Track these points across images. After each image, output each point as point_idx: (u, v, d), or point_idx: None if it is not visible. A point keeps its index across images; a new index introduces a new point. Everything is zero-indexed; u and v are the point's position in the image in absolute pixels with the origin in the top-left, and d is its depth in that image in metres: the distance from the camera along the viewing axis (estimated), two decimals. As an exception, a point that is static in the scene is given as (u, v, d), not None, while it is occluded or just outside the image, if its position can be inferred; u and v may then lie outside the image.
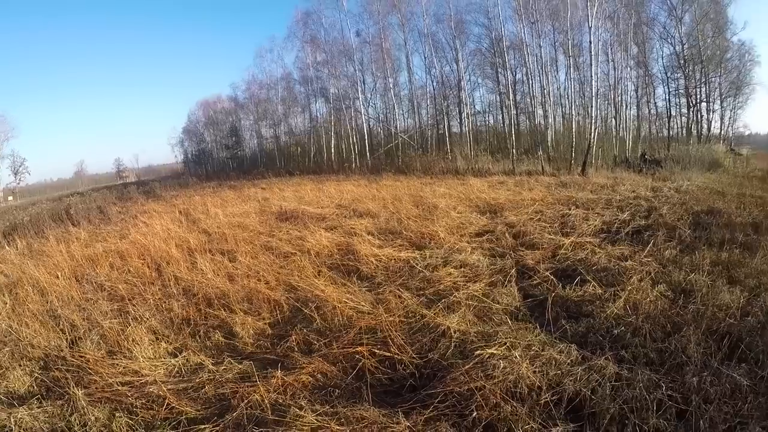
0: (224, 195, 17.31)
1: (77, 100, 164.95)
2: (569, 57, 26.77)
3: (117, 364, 4.99)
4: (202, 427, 3.70)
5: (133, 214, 15.81)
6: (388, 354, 4.33)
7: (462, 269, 6.71)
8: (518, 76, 31.11)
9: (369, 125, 33.28)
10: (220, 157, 55.56)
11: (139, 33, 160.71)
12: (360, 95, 32.55)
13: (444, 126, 31.40)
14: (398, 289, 5.80)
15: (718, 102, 30.90)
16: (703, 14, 28.93)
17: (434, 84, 33.21)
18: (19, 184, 71.69)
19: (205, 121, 58.94)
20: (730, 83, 31.02)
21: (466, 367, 3.98)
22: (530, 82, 27.54)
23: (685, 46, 29.72)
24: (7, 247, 12.93)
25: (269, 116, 44.24)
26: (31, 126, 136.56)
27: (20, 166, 71.26)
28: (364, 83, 33.22)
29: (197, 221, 11.96)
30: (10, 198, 67.43)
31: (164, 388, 4.33)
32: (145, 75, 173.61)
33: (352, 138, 31.70)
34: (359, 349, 4.38)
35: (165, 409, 4.10)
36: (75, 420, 4.24)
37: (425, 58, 32.45)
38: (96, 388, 4.61)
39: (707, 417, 3.34)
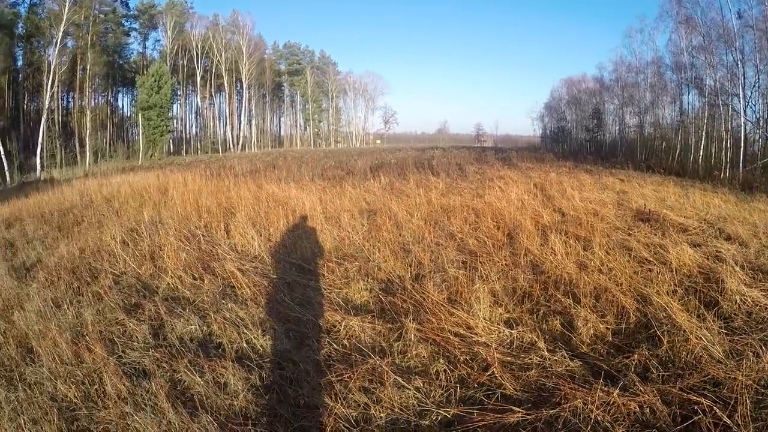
0: (580, 177, 16.84)
1: (444, 65, 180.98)
2: None
3: (454, 313, 5.19)
4: (516, 409, 3.61)
5: (489, 177, 16.46)
6: (728, 421, 3.62)
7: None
8: None
9: (746, 129, 27.38)
10: (578, 138, 54.61)
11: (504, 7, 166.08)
12: (740, 91, 27.12)
13: (838, 146, 25.12)
14: (760, 345, 4.95)
15: None
16: None
17: (831, 88, 26.09)
18: (387, 131, 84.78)
19: (568, 99, 58.42)
20: None
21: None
22: None
23: None
24: (371, 180, 14.74)
25: (635, 103, 40.72)
26: (402, 85, 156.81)
27: (390, 117, 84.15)
28: (744, 77, 27.27)
29: (551, 198, 11.93)
30: (378, 141, 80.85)
31: (493, 354, 4.36)
32: (509, 47, 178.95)
33: (726, 142, 27.38)
34: (700, 399, 3.78)
35: (486, 374, 4.13)
36: (397, 347, 4.59)
37: (821, 50, 25.90)
38: (429, 327, 4.90)
39: None
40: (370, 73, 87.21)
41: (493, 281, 6.08)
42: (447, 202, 10.67)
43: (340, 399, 3.79)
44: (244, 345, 4.78)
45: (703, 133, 30.26)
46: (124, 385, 4.05)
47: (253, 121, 69.14)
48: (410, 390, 3.90)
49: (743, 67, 27.46)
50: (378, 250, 7.39)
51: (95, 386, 4.11)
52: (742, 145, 26.20)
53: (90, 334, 5.00)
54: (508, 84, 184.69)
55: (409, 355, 4.49)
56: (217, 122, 67.81)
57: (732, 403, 3.79)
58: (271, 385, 4.11)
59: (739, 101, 27.45)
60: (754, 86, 27.33)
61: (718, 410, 3.68)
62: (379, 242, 7.79)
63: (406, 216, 9.35)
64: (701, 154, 29.93)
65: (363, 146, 71.33)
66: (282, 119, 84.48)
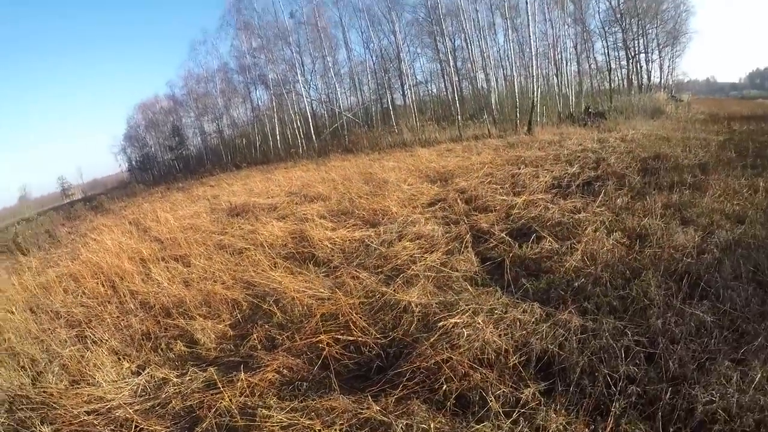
0: (173, 198, 16.96)
1: (13, 122, 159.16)
2: (506, 19, 27.04)
3: (81, 393, 4.78)
4: (172, 446, 3.53)
5: (82, 233, 15.36)
6: (351, 338, 4.30)
7: (417, 241, 6.72)
8: (457, 42, 30.85)
9: (312, 107, 32.73)
10: (165, 160, 53.60)
11: (62, 37, 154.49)
12: (300, 78, 31.86)
13: (387, 100, 31.42)
14: (355, 270, 5.75)
15: (657, 52, 32.23)
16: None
17: (374, 58, 33.08)
18: (-41, 225, 68.86)
19: (146, 124, 56.73)
20: (667, 33, 32.66)
21: (431, 340, 3.99)
22: (470, 47, 27.91)
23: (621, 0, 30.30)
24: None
25: (210, 110, 42.61)
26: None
27: (-42, 203, 68.30)
28: (302, 65, 32.57)
29: (148, 230, 11.64)
30: (-51, 240, 64.43)
31: (130, 411, 4.18)
32: (77, 83, 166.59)
33: (297, 122, 31.10)
34: (322, 337, 4.32)
35: (134, 432, 3.96)
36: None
37: (362, 33, 32.41)
38: (62, 422, 4.42)
39: (676, 357, 3.42)
40: None
41: (108, 340, 5.77)
42: (43, 279, 9.56)
43: None
44: None
45: (276, 121, 33.45)
46: None
47: None
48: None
49: (301, 57, 32.41)
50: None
51: None
52: (311, 120, 30.56)
53: None
54: (81, 127, 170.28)
55: (59, 464, 3.99)
56: None
57: (349, 323, 4.47)
58: None
59: (302, 86, 32.07)
60: (313, 71, 32.89)
61: (340, 335, 4.31)
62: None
63: (4, 314, 8.07)
64: (278, 139, 32.99)
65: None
66: None
